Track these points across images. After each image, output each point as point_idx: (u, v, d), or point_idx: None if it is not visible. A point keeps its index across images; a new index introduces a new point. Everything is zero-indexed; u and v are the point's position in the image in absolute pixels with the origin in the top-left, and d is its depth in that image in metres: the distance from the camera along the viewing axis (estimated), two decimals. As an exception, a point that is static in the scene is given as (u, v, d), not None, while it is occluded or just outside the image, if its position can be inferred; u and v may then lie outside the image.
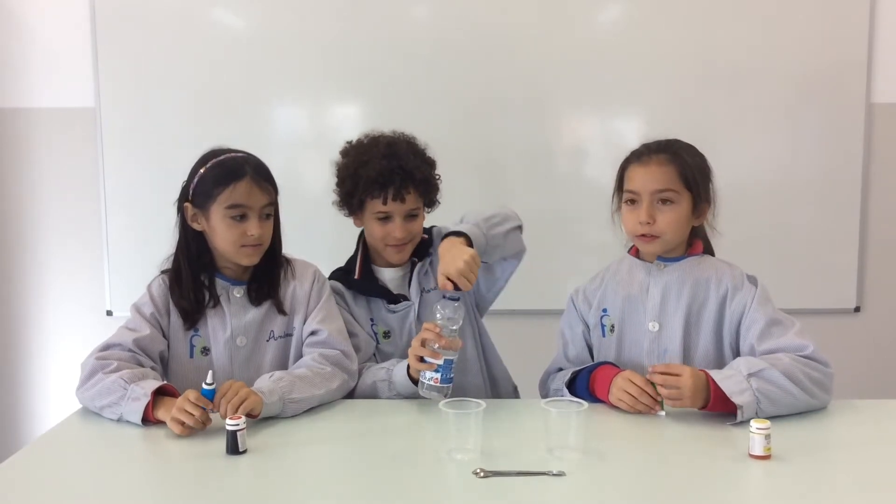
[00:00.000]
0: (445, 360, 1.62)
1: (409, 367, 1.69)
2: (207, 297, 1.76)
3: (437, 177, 1.91)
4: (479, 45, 2.79)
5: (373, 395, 1.79)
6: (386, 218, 1.83)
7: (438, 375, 1.62)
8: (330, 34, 2.80)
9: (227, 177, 1.70)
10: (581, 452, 1.38)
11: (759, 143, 2.84)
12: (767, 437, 1.35)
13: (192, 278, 1.75)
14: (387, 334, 1.91)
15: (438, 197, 1.92)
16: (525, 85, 2.81)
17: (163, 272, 1.80)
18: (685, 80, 2.82)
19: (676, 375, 1.54)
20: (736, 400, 1.49)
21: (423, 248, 1.93)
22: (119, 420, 1.58)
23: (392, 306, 1.89)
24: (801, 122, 2.86)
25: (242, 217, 1.71)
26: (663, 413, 1.58)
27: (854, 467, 1.35)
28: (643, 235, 1.70)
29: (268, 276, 1.80)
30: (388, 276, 1.93)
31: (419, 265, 1.92)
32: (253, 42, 2.83)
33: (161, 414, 1.54)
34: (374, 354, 1.90)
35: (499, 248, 1.81)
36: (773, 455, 1.35)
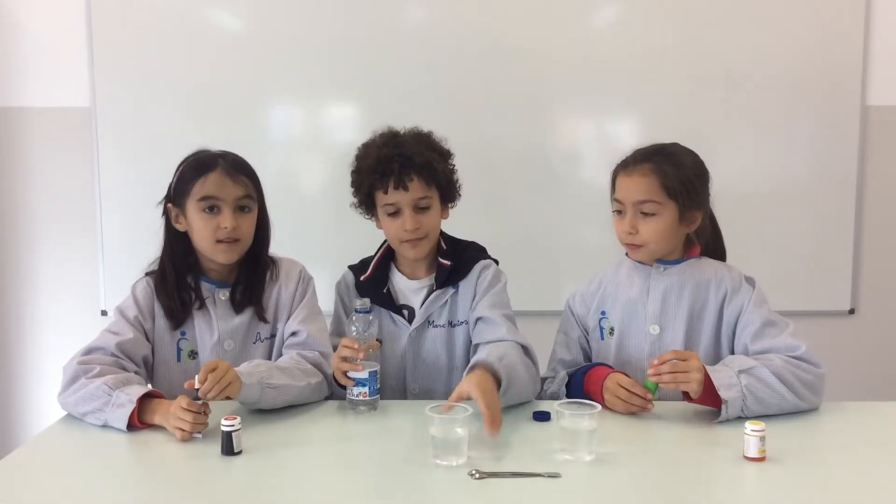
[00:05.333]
0: (370, 372, 1.61)
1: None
2: (193, 298, 1.75)
3: (452, 167, 1.84)
4: (476, 46, 2.79)
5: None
6: (395, 212, 1.77)
7: (366, 389, 1.62)
8: (326, 35, 2.80)
9: (199, 170, 1.71)
10: (594, 455, 1.38)
11: (754, 146, 2.85)
12: (762, 439, 1.35)
13: (176, 279, 1.74)
14: (379, 342, 1.83)
15: (459, 191, 1.86)
16: (522, 87, 2.81)
17: (147, 274, 1.78)
18: (680, 83, 2.82)
19: (685, 360, 1.55)
20: (723, 394, 1.50)
21: (447, 273, 1.83)
22: (103, 426, 1.55)
23: (400, 315, 1.82)
24: (796, 125, 2.87)
25: (215, 209, 1.69)
26: (651, 405, 1.59)
27: (848, 469, 1.35)
28: (629, 244, 1.73)
29: (252, 280, 1.78)
30: (404, 285, 1.87)
31: (438, 293, 1.83)
32: (249, 42, 2.82)
33: (149, 417, 1.52)
34: None
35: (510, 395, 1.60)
36: (768, 457, 1.36)
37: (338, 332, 1.88)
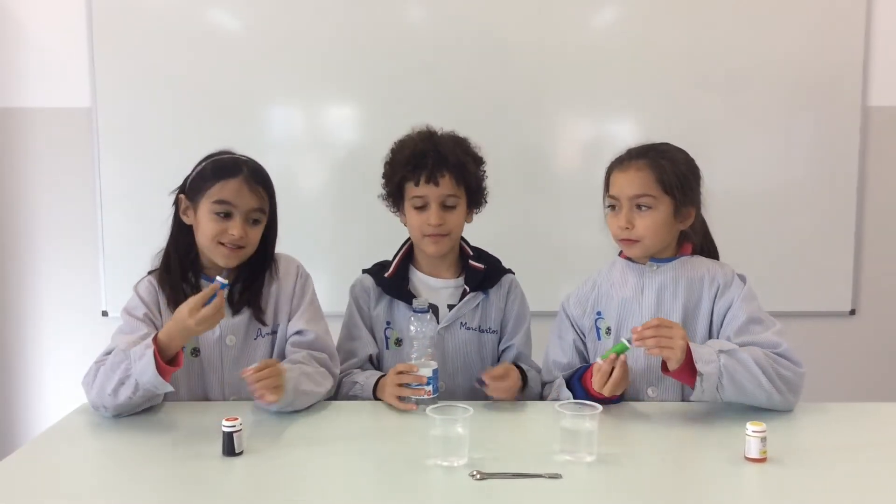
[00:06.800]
0: (433, 370, 1.66)
1: (374, 387, 1.73)
2: (192, 293, 1.71)
3: (482, 173, 1.89)
4: (476, 46, 2.79)
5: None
6: (423, 206, 1.81)
7: (430, 388, 1.66)
8: (327, 36, 2.80)
9: (221, 173, 1.71)
10: (595, 456, 1.38)
11: (755, 146, 2.84)
12: (763, 439, 1.35)
13: (180, 269, 1.74)
14: (399, 342, 1.88)
15: (486, 198, 1.91)
16: (521, 87, 2.81)
17: (150, 272, 1.78)
18: (681, 84, 2.82)
19: (669, 328, 1.55)
20: (700, 367, 1.51)
21: (479, 277, 1.88)
22: (135, 393, 1.53)
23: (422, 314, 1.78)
24: (797, 125, 2.87)
25: (227, 215, 1.70)
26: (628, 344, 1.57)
27: (848, 471, 1.35)
28: (624, 240, 1.74)
29: (252, 280, 1.78)
30: (425, 283, 1.89)
31: (472, 295, 1.88)
32: (249, 43, 2.82)
33: (169, 344, 1.53)
34: (372, 360, 1.89)
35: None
36: (769, 458, 1.36)
37: (352, 335, 1.89)
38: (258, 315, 1.78)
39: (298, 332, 1.78)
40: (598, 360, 1.61)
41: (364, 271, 1.95)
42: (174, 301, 1.71)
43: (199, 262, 1.77)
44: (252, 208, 1.72)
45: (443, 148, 1.80)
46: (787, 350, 1.62)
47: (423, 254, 1.89)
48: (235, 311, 1.76)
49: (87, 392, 1.62)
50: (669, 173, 1.70)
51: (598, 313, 1.82)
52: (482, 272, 1.89)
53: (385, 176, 1.88)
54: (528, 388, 1.81)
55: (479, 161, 1.88)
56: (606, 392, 1.59)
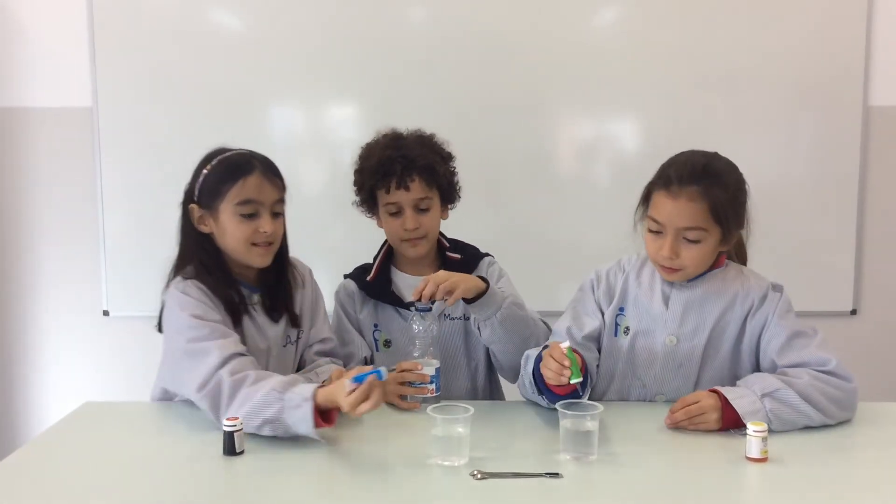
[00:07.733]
0: (436, 369, 1.66)
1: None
2: (238, 300, 1.66)
3: (453, 169, 1.88)
4: (477, 47, 2.79)
5: None
6: (397, 212, 1.82)
7: (433, 386, 1.66)
8: (328, 36, 2.80)
9: (236, 172, 1.63)
10: (596, 456, 1.38)
11: (756, 146, 2.84)
12: (764, 439, 1.35)
13: (223, 273, 1.65)
14: (387, 343, 1.88)
15: (459, 192, 1.91)
16: (523, 88, 2.81)
17: (185, 278, 1.64)
18: (682, 84, 2.82)
19: (694, 403, 1.51)
20: (748, 421, 1.43)
21: (457, 267, 1.85)
22: (277, 433, 1.44)
23: (409, 311, 1.78)
24: (798, 125, 2.87)
25: (253, 214, 1.63)
26: (576, 380, 1.47)
27: (850, 470, 1.36)
28: (665, 267, 1.63)
29: (280, 283, 1.74)
30: (408, 283, 1.87)
31: None
32: (251, 43, 2.82)
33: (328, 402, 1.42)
34: (366, 362, 1.88)
35: (509, 326, 1.71)
36: (770, 458, 1.36)
37: (344, 340, 1.89)
38: (295, 320, 1.75)
39: (322, 340, 1.80)
40: (559, 344, 1.49)
41: (346, 276, 1.94)
42: (233, 306, 1.63)
43: (225, 269, 1.68)
44: (275, 200, 1.67)
45: (409, 151, 1.79)
46: (836, 367, 1.55)
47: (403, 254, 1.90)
48: (276, 317, 1.73)
49: (218, 409, 1.49)
50: (723, 204, 1.56)
51: (621, 309, 1.73)
52: (459, 262, 1.88)
53: (356, 184, 1.88)
54: (491, 294, 1.68)
55: (447, 158, 1.88)
56: (548, 378, 1.49)
